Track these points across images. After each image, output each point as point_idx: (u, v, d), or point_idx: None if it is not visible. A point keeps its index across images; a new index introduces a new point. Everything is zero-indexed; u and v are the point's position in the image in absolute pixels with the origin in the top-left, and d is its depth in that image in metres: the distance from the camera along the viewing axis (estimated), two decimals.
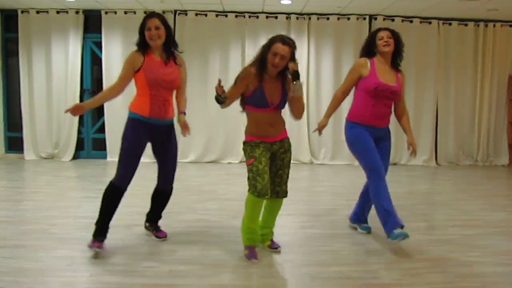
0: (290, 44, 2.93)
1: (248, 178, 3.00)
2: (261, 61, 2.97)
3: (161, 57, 3.13)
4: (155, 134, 3.20)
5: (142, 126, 3.11)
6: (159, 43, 3.07)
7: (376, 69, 3.35)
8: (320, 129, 3.50)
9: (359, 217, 3.74)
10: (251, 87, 2.99)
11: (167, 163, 3.33)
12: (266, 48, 2.95)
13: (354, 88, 3.50)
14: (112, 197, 3.14)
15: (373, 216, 4.00)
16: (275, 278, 2.84)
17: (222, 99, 2.90)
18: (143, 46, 3.09)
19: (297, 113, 3.12)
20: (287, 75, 3.01)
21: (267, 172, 2.98)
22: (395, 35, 3.38)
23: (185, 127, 3.19)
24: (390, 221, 3.21)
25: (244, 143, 3.10)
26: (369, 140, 3.38)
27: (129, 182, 3.15)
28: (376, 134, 3.44)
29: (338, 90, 3.55)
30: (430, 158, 7.35)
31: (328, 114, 3.52)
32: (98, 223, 3.16)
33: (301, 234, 3.62)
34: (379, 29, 3.45)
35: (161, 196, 3.45)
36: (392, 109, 3.52)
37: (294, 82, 2.94)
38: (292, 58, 2.95)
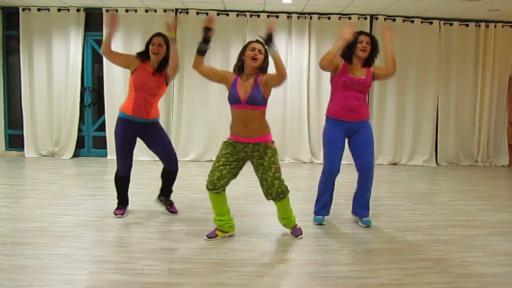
0: (261, 42, 3.21)
1: None
2: (239, 64, 3.26)
3: (153, 68, 3.69)
4: (140, 130, 3.78)
5: (127, 123, 3.73)
6: (158, 58, 3.66)
7: (348, 67, 3.63)
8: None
9: (357, 211, 3.88)
10: (228, 83, 3.27)
11: (163, 150, 3.90)
12: (243, 50, 3.25)
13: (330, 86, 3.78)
14: (120, 184, 3.92)
15: (374, 215, 4.01)
16: (275, 278, 2.84)
17: (205, 45, 3.16)
18: (144, 55, 3.69)
19: (279, 72, 3.13)
20: (263, 41, 3.15)
21: (220, 171, 3.22)
22: (373, 42, 3.63)
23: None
24: (318, 206, 3.86)
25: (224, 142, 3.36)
26: (336, 140, 3.70)
27: (129, 170, 3.87)
28: (350, 128, 3.68)
29: None
30: (430, 158, 7.34)
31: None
32: (118, 198, 3.97)
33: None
34: (361, 32, 3.68)
35: (168, 175, 4.01)
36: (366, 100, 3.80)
37: (269, 47, 3.12)
38: (266, 57, 3.24)
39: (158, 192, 4.14)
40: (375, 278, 2.79)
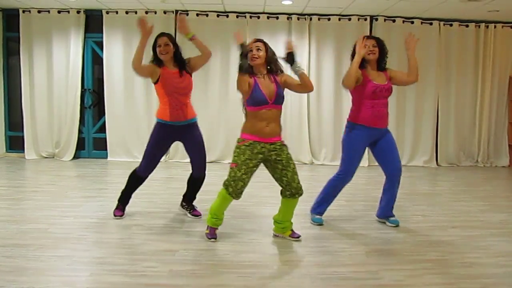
0: (260, 40, 3.27)
1: (227, 177, 3.23)
2: (242, 65, 3.16)
3: (174, 68, 3.67)
4: (179, 134, 3.77)
5: (165, 129, 3.72)
6: (168, 57, 3.62)
7: (368, 75, 3.62)
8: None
9: (385, 212, 3.88)
10: (248, 88, 3.17)
11: (196, 155, 3.87)
12: (244, 51, 3.19)
13: (351, 95, 3.74)
14: (134, 182, 3.93)
15: (374, 216, 4.01)
16: (275, 279, 2.84)
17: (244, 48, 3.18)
18: (157, 61, 3.65)
19: (306, 85, 3.29)
20: (285, 62, 3.26)
21: (243, 180, 3.19)
22: (379, 43, 3.65)
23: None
24: (322, 207, 3.86)
25: (238, 141, 3.27)
26: (361, 148, 3.72)
27: (149, 173, 3.87)
28: (377, 134, 3.69)
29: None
30: (430, 159, 7.34)
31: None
32: (122, 195, 3.96)
33: (302, 234, 3.61)
34: (364, 37, 3.67)
35: (195, 182, 3.98)
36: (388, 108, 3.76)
37: (292, 66, 3.22)
38: (269, 51, 3.25)
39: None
40: (375, 279, 2.79)
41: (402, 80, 3.77)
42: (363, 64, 3.61)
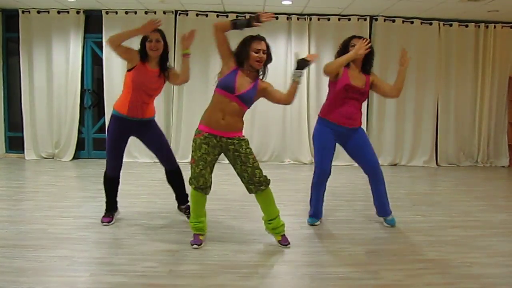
0: (264, 39, 3.20)
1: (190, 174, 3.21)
2: (239, 53, 3.14)
3: (156, 68, 3.56)
4: (135, 130, 3.67)
5: (121, 122, 3.60)
6: (156, 54, 3.51)
7: (348, 72, 3.59)
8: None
9: (383, 211, 3.85)
10: (226, 68, 3.18)
11: (160, 149, 3.78)
12: (246, 45, 3.14)
13: (328, 88, 3.75)
14: (109, 185, 3.78)
15: (374, 216, 4.01)
16: (275, 279, 2.84)
17: (243, 25, 3.16)
18: (142, 55, 3.51)
19: (288, 98, 3.26)
20: (296, 63, 3.24)
21: (203, 175, 3.17)
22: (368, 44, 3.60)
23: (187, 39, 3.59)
24: (314, 208, 3.84)
25: (195, 133, 3.24)
26: (328, 140, 3.68)
27: (118, 170, 3.71)
28: (342, 133, 3.68)
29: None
30: (430, 159, 7.34)
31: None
32: (106, 203, 3.81)
33: (301, 234, 3.62)
34: (354, 36, 3.68)
35: (173, 176, 3.87)
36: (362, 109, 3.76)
37: (296, 70, 3.21)
38: (269, 52, 3.19)
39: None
40: (375, 279, 2.79)
41: (384, 91, 3.73)
42: (348, 63, 3.59)
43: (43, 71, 7.06)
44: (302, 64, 3.23)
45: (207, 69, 6.97)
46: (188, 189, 3.38)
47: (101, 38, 7.00)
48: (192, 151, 3.21)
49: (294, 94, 3.23)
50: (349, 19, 7.01)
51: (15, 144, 7.33)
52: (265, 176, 3.25)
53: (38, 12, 6.93)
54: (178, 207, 4.03)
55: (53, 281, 2.64)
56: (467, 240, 3.54)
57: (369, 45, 3.53)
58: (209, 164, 3.18)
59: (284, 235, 3.35)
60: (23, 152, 7.17)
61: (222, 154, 3.27)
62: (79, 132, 7.19)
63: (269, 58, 3.21)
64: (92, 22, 7.08)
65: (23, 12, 6.92)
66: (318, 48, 7.06)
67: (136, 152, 6.82)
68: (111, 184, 3.78)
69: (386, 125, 7.27)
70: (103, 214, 3.81)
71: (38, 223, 3.74)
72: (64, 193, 4.90)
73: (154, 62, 3.56)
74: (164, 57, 3.59)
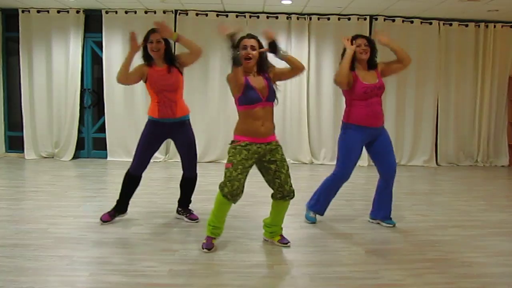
0: (254, 36, 3.12)
1: (223, 178, 3.09)
2: (237, 58, 3.01)
3: (163, 65, 3.63)
4: (168, 131, 3.74)
5: (155, 126, 3.70)
6: (159, 54, 3.60)
7: (358, 76, 3.60)
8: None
9: (385, 213, 3.85)
10: (239, 87, 3.04)
11: (185, 154, 3.83)
12: (236, 48, 3.04)
13: (344, 95, 3.75)
14: (128, 183, 3.79)
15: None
16: (275, 278, 2.84)
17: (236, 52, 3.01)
18: (147, 58, 3.63)
19: (297, 67, 3.18)
20: (269, 52, 3.14)
21: (239, 180, 3.05)
22: (370, 43, 3.64)
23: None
24: (319, 204, 3.84)
25: (231, 142, 3.15)
26: (356, 147, 3.70)
27: (142, 171, 3.77)
28: (372, 133, 3.70)
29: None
30: (430, 159, 7.34)
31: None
32: (118, 202, 3.81)
33: (301, 234, 3.62)
34: (357, 36, 3.68)
35: (187, 183, 3.94)
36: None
37: (277, 54, 3.11)
38: (261, 47, 3.11)
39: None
40: (375, 279, 2.79)
41: (395, 68, 3.73)
42: (353, 66, 3.60)
43: (43, 71, 7.05)
44: (273, 47, 3.11)
45: (207, 69, 6.97)
46: (214, 193, 3.26)
47: (101, 37, 6.99)
48: (231, 156, 3.09)
49: (297, 61, 3.17)
50: (349, 19, 7.01)
51: (15, 143, 7.33)
52: (293, 188, 3.25)
53: (38, 11, 6.93)
54: (177, 210, 4.02)
55: (53, 281, 2.64)
56: (467, 240, 3.54)
57: (364, 42, 3.60)
58: (246, 170, 3.09)
59: (281, 234, 3.37)
60: (23, 152, 7.16)
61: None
62: (79, 131, 7.19)
63: (262, 56, 3.12)
64: (92, 21, 7.08)
65: (23, 11, 6.91)
66: (318, 47, 7.06)
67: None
68: (131, 182, 3.78)
69: (386, 124, 7.19)
70: (103, 213, 3.80)
71: (38, 223, 3.74)
72: (64, 193, 4.90)
73: (160, 61, 3.63)
74: (168, 53, 3.65)
